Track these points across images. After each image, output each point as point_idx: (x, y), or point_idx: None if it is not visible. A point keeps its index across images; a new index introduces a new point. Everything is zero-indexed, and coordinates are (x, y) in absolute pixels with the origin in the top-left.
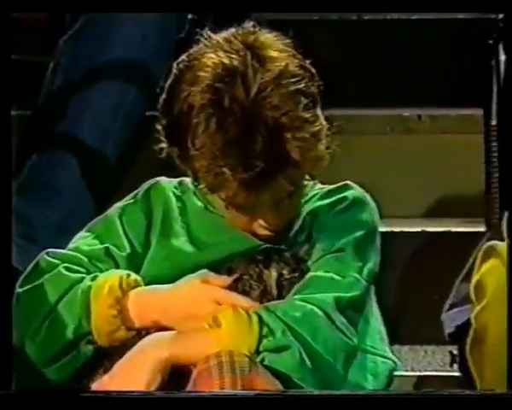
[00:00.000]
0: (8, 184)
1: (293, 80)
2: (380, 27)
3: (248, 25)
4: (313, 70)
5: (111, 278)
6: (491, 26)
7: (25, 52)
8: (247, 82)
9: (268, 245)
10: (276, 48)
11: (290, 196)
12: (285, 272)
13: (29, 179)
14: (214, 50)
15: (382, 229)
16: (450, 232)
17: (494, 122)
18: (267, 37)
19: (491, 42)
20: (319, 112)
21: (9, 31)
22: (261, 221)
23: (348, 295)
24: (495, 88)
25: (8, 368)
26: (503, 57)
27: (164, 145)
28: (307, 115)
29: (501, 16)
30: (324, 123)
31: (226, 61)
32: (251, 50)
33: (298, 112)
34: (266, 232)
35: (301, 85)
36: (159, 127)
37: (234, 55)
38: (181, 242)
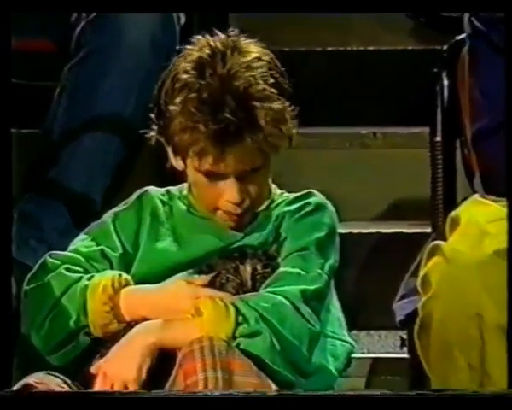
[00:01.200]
0: (8, 187)
1: (265, 67)
2: (342, 57)
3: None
4: (284, 71)
5: (105, 278)
6: (437, 56)
7: (35, 78)
8: (226, 59)
9: (243, 243)
10: (255, 47)
11: (253, 172)
12: (258, 267)
13: (40, 189)
14: (203, 38)
15: (342, 231)
16: (400, 233)
17: (438, 139)
18: (248, 39)
19: (436, 70)
20: (286, 103)
21: (9, 32)
22: (228, 196)
23: (312, 287)
24: (439, 109)
25: (8, 368)
26: (446, 83)
27: (153, 133)
28: (274, 92)
29: (445, 47)
30: (289, 109)
31: (212, 42)
32: (233, 43)
33: (266, 88)
34: (234, 218)
35: (272, 72)
36: (152, 115)
37: (218, 41)
38: (166, 242)
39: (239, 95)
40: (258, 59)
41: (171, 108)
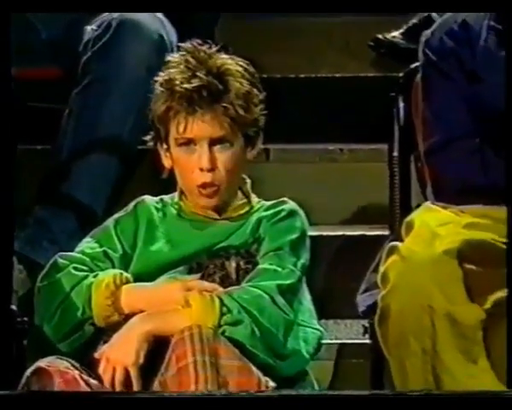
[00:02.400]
0: (9, 192)
1: (240, 66)
2: (314, 83)
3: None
4: (257, 76)
5: (108, 276)
6: (394, 82)
7: (47, 101)
8: (206, 53)
9: (227, 244)
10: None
11: (222, 144)
12: (241, 263)
13: (51, 198)
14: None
15: (314, 233)
16: (363, 236)
17: (395, 154)
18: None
19: (393, 94)
20: (255, 90)
21: (9, 35)
22: (200, 163)
23: (286, 282)
24: (396, 128)
25: (8, 368)
26: (402, 105)
27: (150, 136)
28: (247, 78)
29: (401, 75)
30: (259, 96)
31: (195, 48)
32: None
33: (240, 71)
34: (209, 193)
35: (247, 70)
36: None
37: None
38: (160, 244)
39: (216, 69)
40: (235, 62)
41: (157, 90)
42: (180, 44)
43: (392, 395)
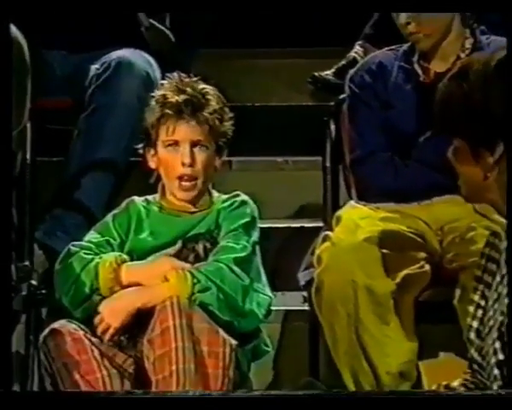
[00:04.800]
0: (8, 192)
1: (216, 92)
2: (266, 110)
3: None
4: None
5: (110, 257)
6: (327, 109)
7: (61, 124)
8: (191, 80)
9: (197, 231)
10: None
11: (200, 147)
12: (207, 245)
13: (64, 200)
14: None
15: (265, 225)
16: (303, 227)
17: (328, 164)
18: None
19: (326, 119)
20: (226, 110)
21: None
22: (182, 159)
23: (241, 255)
24: (328, 145)
25: (9, 368)
26: (332, 127)
27: (141, 145)
28: (221, 100)
29: (332, 103)
30: (229, 115)
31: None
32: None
33: (217, 94)
34: (187, 186)
35: (219, 96)
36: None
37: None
38: (145, 233)
39: (198, 89)
40: (211, 88)
41: (152, 104)
42: (168, 75)
43: (393, 396)
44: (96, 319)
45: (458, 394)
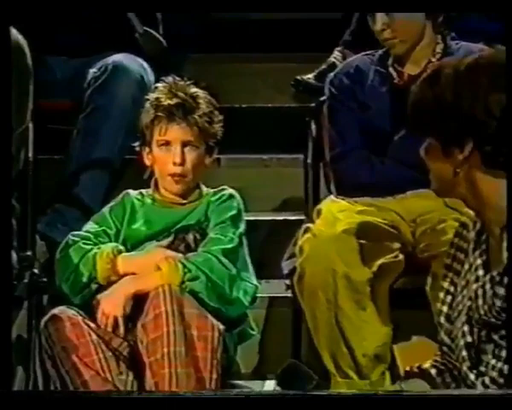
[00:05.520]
0: (8, 198)
1: (207, 96)
2: (253, 111)
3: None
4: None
5: (107, 248)
6: (309, 110)
7: (62, 124)
8: (184, 83)
9: (187, 223)
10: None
11: (190, 147)
12: (197, 235)
13: (64, 195)
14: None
15: (251, 218)
16: (286, 219)
17: (309, 161)
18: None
19: (307, 119)
20: (216, 112)
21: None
22: (173, 158)
23: (229, 246)
24: (310, 143)
25: (8, 368)
26: (313, 127)
27: (137, 143)
28: (211, 103)
29: (313, 105)
30: (219, 117)
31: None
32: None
33: (207, 97)
34: (177, 180)
35: (211, 100)
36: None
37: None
38: (139, 224)
39: (190, 93)
40: (203, 92)
41: (147, 106)
42: (163, 78)
43: (393, 395)
44: (96, 308)
45: (458, 394)
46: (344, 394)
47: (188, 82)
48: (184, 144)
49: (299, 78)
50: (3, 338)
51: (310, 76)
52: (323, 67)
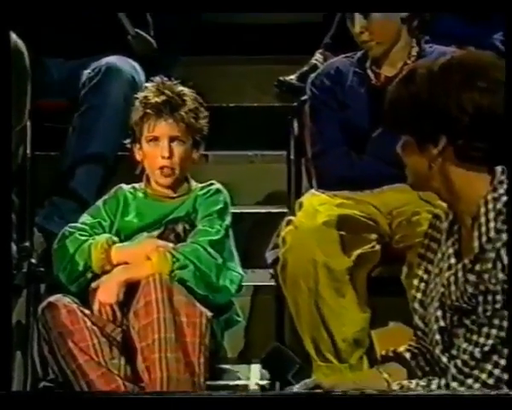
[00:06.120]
0: (8, 192)
1: (193, 94)
2: (239, 110)
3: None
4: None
5: (102, 238)
6: (291, 109)
7: (58, 122)
8: (171, 83)
9: (176, 215)
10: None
11: (178, 142)
12: (186, 226)
13: (61, 189)
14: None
15: (237, 210)
16: (270, 212)
17: (292, 157)
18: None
19: (290, 117)
20: (202, 109)
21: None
22: (162, 152)
23: (215, 238)
24: (292, 140)
25: (8, 368)
26: (295, 125)
27: (128, 140)
28: (197, 100)
29: (295, 104)
30: (204, 113)
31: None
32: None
33: (194, 94)
34: (166, 174)
35: (197, 98)
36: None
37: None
38: (132, 216)
39: (177, 91)
40: (189, 90)
41: (136, 104)
42: (152, 78)
43: (393, 395)
44: (91, 295)
45: (460, 394)
46: (344, 393)
47: (175, 81)
48: (172, 139)
49: (282, 78)
50: (4, 325)
51: (292, 77)
52: (305, 68)
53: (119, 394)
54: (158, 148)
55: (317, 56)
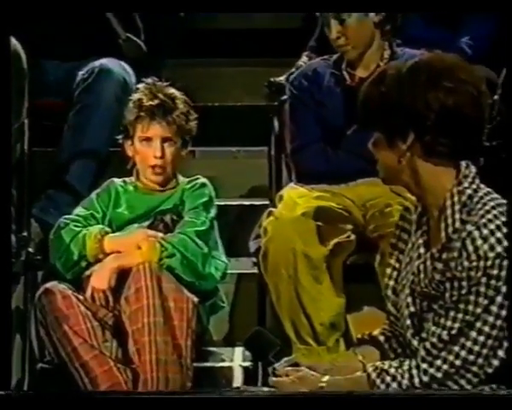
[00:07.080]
0: (7, 185)
1: (183, 97)
2: (224, 109)
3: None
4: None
5: (95, 229)
6: (273, 108)
7: (54, 121)
8: (163, 85)
9: (165, 207)
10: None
11: (169, 142)
12: (174, 217)
13: (56, 183)
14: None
15: (221, 203)
16: (253, 204)
17: (273, 153)
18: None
19: (271, 115)
20: (192, 111)
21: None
22: (154, 152)
23: (201, 228)
24: (273, 137)
25: (8, 368)
26: (276, 123)
27: (121, 136)
28: (187, 103)
29: (277, 103)
30: (194, 115)
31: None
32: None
33: (185, 98)
34: (158, 172)
35: (186, 99)
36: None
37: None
38: (123, 208)
39: (168, 94)
40: (180, 93)
41: (130, 105)
42: (143, 80)
43: (393, 395)
44: (85, 282)
45: (459, 394)
46: (343, 393)
47: (165, 83)
48: (164, 140)
49: (272, 80)
50: (3, 339)
51: (282, 78)
52: (293, 69)
53: (119, 393)
54: (150, 148)
55: (304, 59)
